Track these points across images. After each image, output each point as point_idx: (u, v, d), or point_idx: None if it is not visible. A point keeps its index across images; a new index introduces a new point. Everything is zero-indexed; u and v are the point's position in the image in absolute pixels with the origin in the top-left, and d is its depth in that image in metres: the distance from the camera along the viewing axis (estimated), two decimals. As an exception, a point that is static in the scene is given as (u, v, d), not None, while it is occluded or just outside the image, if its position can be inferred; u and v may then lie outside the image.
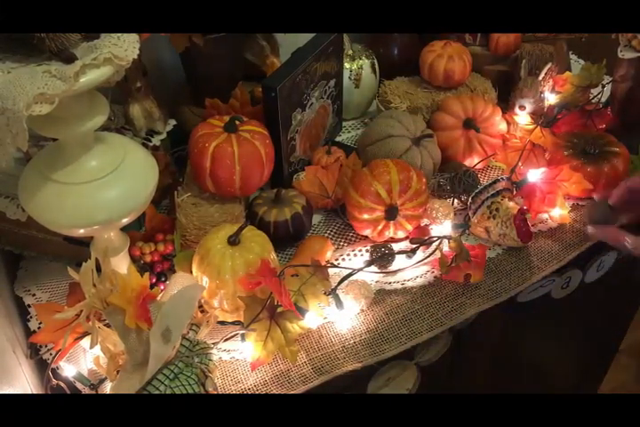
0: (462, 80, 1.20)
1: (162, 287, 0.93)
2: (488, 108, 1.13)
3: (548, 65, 1.15)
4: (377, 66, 1.25)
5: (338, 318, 0.91)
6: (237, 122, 0.97)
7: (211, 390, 0.78)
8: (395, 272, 0.99)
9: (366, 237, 1.03)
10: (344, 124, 1.29)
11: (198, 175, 0.97)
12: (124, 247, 0.89)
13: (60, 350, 0.85)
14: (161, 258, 0.96)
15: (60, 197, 0.76)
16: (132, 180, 0.79)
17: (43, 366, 0.93)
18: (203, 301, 0.90)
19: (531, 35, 1.26)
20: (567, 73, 1.21)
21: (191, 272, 0.90)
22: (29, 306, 0.96)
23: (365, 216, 0.98)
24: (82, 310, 0.74)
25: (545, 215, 1.07)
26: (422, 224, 1.05)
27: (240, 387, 0.85)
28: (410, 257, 0.99)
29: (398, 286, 0.97)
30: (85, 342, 0.86)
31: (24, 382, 0.95)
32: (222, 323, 0.90)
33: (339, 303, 0.91)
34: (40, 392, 0.98)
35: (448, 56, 1.17)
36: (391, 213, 0.97)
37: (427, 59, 1.19)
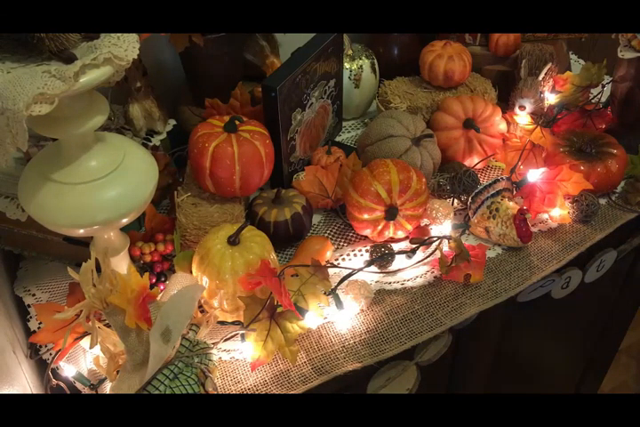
0: (462, 80, 1.20)
1: (162, 287, 0.93)
2: (488, 108, 1.13)
3: (548, 65, 1.15)
4: (377, 66, 1.25)
5: (338, 318, 0.91)
6: (237, 122, 0.97)
7: (210, 390, 0.78)
8: (395, 272, 0.99)
9: (366, 237, 1.03)
10: (344, 124, 1.29)
11: (198, 175, 0.97)
12: (124, 247, 0.89)
13: (59, 350, 0.85)
14: (161, 258, 0.96)
15: (59, 197, 0.76)
16: (132, 180, 0.79)
17: (43, 366, 0.93)
18: (203, 301, 0.90)
19: (531, 35, 1.26)
20: (567, 73, 1.21)
21: (191, 272, 0.90)
22: (29, 306, 0.96)
23: (365, 216, 0.98)
24: (82, 310, 0.74)
25: (545, 215, 1.07)
26: (422, 224, 1.05)
27: (240, 387, 0.85)
28: (410, 257, 0.99)
29: (398, 286, 0.97)
30: (85, 342, 0.86)
31: (24, 382, 0.95)
32: (222, 323, 0.90)
33: (339, 303, 0.91)
34: (40, 392, 0.98)
35: (448, 56, 1.17)
36: (391, 213, 0.97)
37: (427, 59, 1.19)
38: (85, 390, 0.86)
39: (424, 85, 1.22)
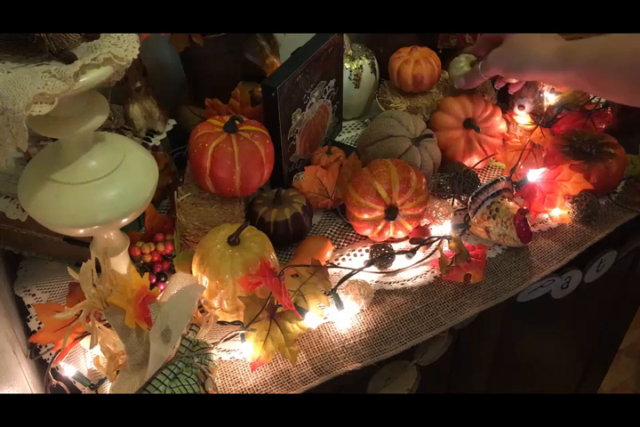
0: (433, 83, 1.18)
1: (162, 287, 0.93)
2: (488, 108, 1.13)
3: (548, 65, 1.15)
4: (377, 66, 1.25)
5: (338, 318, 0.91)
6: (237, 122, 0.97)
7: (210, 390, 0.78)
8: (395, 272, 0.99)
9: (366, 237, 1.03)
10: (344, 124, 1.29)
11: (198, 175, 0.97)
12: (124, 247, 0.89)
13: (59, 350, 0.85)
14: (161, 258, 0.96)
15: (59, 197, 0.76)
16: (132, 180, 0.79)
17: (43, 366, 0.93)
18: (203, 301, 0.90)
19: (531, 35, 1.26)
20: (567, 73, 1.21)
21: (191, 272, 0.90)
22: (29, 306, 0.96)
23: (365, 216, 0.98)
24: (82, 310, 0.74)
25: (545, 215, 1.07)
26: (422, 224, 1.05)
27: (240, 387, 0.85)
28: (410, 257, 0.99)
29: (398, 286, 0.97)
30: (85, 342, 0.86)
31: (24, 382, 0.95)
32: (222, 323, 0.90)
33: (339, 303, 0.91)
34: (40, 392, 0.98)
35: (415, 61, 1.16)
36: (391, 213, 0.97)
37: (394, 65, 1.18)
38: (85, 390, 0.86)
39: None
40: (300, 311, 0.86)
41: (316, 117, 1.13)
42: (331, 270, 0.95)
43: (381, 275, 0.98)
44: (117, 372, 0.80)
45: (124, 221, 0.80)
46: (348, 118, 1.29)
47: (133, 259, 0.93)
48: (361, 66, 1.23)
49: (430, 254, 1.01)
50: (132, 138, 1.03)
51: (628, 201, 1.10)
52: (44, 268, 1.01)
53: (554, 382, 1.64)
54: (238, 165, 0.95)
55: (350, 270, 0.94)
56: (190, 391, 0.75)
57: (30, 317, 0.95)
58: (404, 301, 0.95)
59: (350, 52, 1.23)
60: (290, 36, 1.09)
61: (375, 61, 1.25)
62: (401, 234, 1.02)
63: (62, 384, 0.87)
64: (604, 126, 1.21)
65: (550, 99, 1.18)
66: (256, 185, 1.00)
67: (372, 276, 0.98)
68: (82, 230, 0.78)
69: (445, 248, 0.98)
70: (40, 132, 0.72)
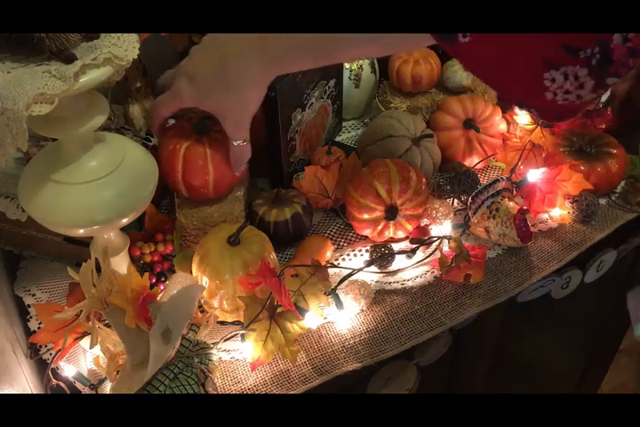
0: (432, 84, 1.18)
1: (162, 287, 0.93)
2: (488, 108, 1.13)
3: (548, 65, 1.15)
4: (377, 66, 1.25)
5: (338, 318, 0.91)
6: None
7: (210, 390, 0.78)
8: (395, 272, 0.99)
9: (366, 237, 1.03)
10: (344, 124, 1.29)
11: (170, 177, 0.92)
12: (123, 247, 0.89)
13: (59, 350, 0.85)
14: (161, 258, 0.96)
15: (59, 197, 0.76)
16: (132, 180, 0.79)
17: (43, 366, 0.93)
18: (203, 301, 0.90)
19: (531, 35, 1.25)
20: (567, 73, 1.21)
21: (191, 272, 0.90)
22: (29, 306, 0.96)
23: (365, 216, 0.98)
24: (82, 310, 0.74)
25: (545, 215, 1.07)
26: (422, 224, 1.05)
27: (240, 387, 0.85)
28: (410, 257, 0.99)
29: (398, 286, 0.97)
30: (85, 342, 0.86)
31: (24, 382, 0.95)
32: (222, 323, 0.90)
33: (339, 303, 0.91)
34: (40, 392, 0.98)
35: (414, 61, 1.16)
36: (391, 213, 0.97)
37: (393, 65, 1.18)
38: (85, 390, 0.86)
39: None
40: (300, 311, 0.86)
41: (316, 117, 1.13)
42: (331, 270, 0.95)
43: (381, 275, 0.98)
44: (117, 372, 0.80)
45: (124, 221, 0.80)
46: (348, 118, 1.29)
47: (133, 259, 0.93)
48: (361, 66, 1.23)
49: (430, 254, 1.01)
50: (131, 138, 1.03)
51: (627, 201, 1.10)
52: (44, 268, 1.01)
53: (554, 382, 1.64)
54: (211, 166, 0.90)
55: (350, 270, 0.94)
56: (190, 391, 0.75)
57: (30, 317, 0.95)
58: (403, 301, 0.95)
59: (350, 51, 1.23)
60: (290, 36, 1.09)
61: (375, 61, 1.25)
62: (401, 234, 1.02)
63: (62, 384, 0.87)
64: (603, 126, 1.21)
65: (550, 99, 1.18)
66: (229, 186, 0.96)
67: (372, 276, 0.98)
68: (82, 230, 0.78)
69: (445, 248, 0.98)
70: (40, 132, 0.72)
